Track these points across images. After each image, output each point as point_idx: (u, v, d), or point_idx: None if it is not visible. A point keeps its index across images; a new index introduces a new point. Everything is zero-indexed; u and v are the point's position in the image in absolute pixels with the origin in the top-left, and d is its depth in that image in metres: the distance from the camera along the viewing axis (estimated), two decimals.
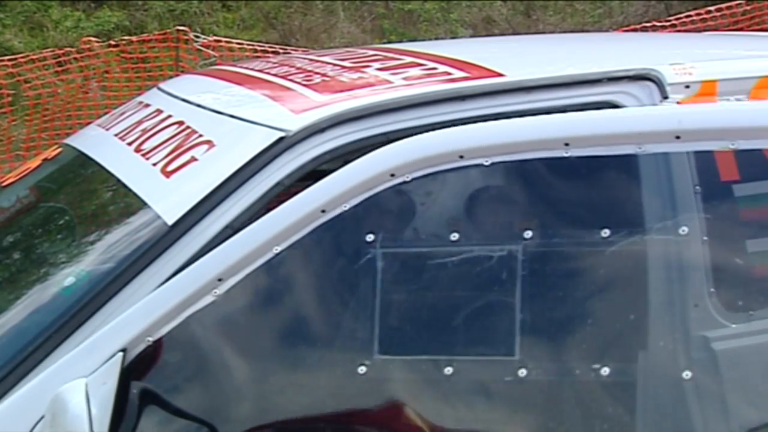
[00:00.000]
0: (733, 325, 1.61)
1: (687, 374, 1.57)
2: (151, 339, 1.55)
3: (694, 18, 9.86)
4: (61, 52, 9.08)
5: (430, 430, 1.62)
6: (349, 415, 1.64)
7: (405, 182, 1.60)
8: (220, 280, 1.56)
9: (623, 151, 1.59)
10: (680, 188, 1.63)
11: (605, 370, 1.57)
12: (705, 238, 1.60)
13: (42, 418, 1.51)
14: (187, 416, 1.60)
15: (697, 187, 1.62)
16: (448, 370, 1.58)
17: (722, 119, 1.61)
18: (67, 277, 1.84)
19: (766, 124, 1.58)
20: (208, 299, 1.56)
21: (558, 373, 1.59)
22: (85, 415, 1.46)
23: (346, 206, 1.59)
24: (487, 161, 1.60)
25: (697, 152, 1.61)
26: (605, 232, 1.59)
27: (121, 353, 1.53)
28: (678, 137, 1.58)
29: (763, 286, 1.66)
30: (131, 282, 1.69)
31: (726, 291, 1.62)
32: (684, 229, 1.60)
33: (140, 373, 1.56)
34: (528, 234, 1.60)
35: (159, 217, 1.77)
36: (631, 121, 1.63)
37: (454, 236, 1.61)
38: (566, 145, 1.59)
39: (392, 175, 1.59)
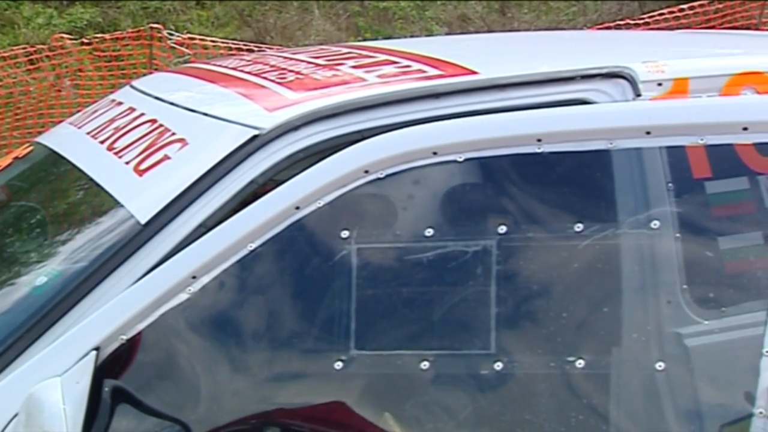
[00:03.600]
0: (706, 322, 1.63)
1: (660, 365, 1.58)
2: (124, 337, 1.54)
3: (667, 16, 9.97)
4: (33, 49, 9.01)
5: (407, 424, 1.62)
6: (326, 411, 1.64)
7: (379, 179, 1.60)
8: (194, 277, 1.56)
9: (595, 146, 1.61)
10: (653, 184, 1.64)
11: (580, 363, 1.58)
12: (677, 234, 1.62)
13: (15, 416, 1.50)
14: (161, 415, 1.59)
15: (670, 184, 1.63)
16: (425, 365, 1.58)
17: (691, 115, 1.62)
18: (39, 276, 1.82)
19: (733, 119, 1.60)
20: (182, 297, 1.56)
21: (534, 366, 1.60)
22: (62, 414, 1.45)
23: (321, 203, 1.59)
24: (460, 157, 1.61)
25: (669, 148, 1.63)
26: (578, 227, 1.60)
27: (94, 352, 1.52)
28: (648, 133, 1.60)
29: (735, 282, 1.67)
30: (104, 281, 1.68)
31: (698, 287, 1.64)
32: (656, 224, 1.61)
33: (114, 371, 1.55)
34: (502, 229, 1.60)
35: (132, 215, 1.76)
36: (602, 117, 1.64)
37: (429, 232, 1.61)
38: (539, 141, 1.60)
39: (366, 172, 1.59)
